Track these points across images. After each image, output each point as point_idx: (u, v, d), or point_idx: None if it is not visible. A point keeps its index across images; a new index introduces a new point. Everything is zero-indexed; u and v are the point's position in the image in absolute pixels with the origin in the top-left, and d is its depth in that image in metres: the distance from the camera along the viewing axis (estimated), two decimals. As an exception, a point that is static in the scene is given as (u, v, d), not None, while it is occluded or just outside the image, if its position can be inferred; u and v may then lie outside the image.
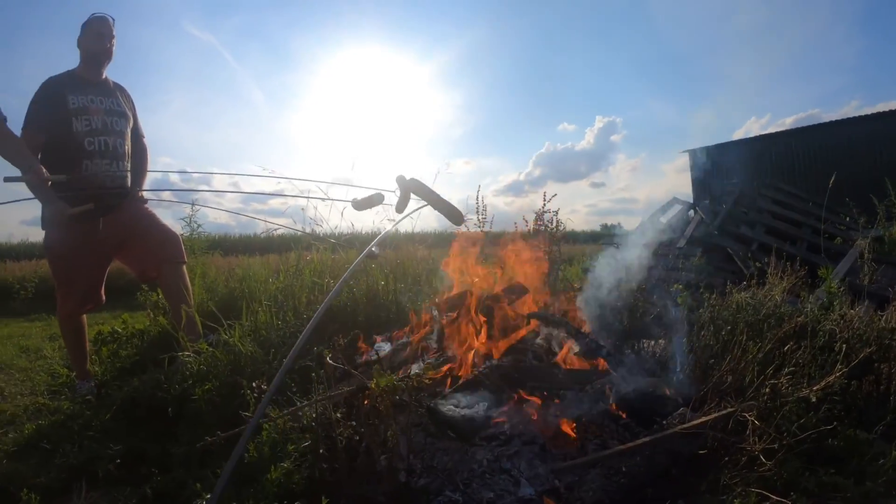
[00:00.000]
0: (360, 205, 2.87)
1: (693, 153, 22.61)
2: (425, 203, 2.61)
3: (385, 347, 3.18)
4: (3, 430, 3.81)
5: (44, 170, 3.56)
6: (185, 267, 4.37)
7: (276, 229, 4.73)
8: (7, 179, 3.62)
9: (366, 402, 2.40)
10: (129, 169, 4.35)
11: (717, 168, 20.90)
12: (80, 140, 4.05)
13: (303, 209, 5.26)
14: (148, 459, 2.89)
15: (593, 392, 2.73)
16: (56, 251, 4.17)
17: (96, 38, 4.23)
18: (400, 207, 2.70)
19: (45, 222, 4.11)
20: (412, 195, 2.66)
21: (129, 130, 4.39)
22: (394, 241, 5.51)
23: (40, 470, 2.90)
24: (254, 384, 2.63)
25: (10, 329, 8.04)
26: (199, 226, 6.84)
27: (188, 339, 3.68)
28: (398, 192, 2.71)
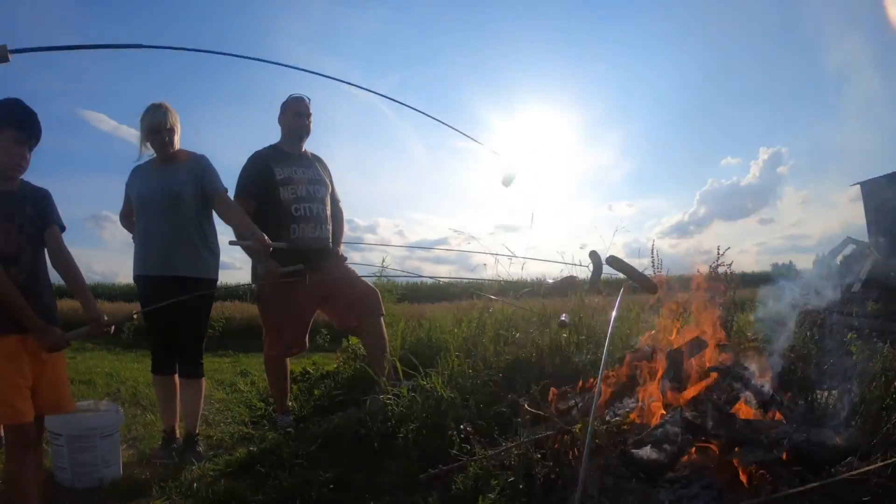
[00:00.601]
0: (556, 287, 3.08)
1: (864, 185, 21.03)
2: (622, 276, 2.84)
3: (571, 398, 3.43)
4: (213, 452, 4.36)
5: (266, 237, 4.02)
6: (382, 319, 4.83)
7: (460, 281, 5.11)
8: (232, 243, 4.18)
9: (560, 444, 2.69)
10: (330, 231, 4.87)
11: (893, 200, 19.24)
12: (288, 207, 4.60)
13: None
14: (355, 487, 3.23)
15: (767, 441, 2.84)
16: (268, 302, 4.74)
17: (295, 117, 4.83)
18: (594, 281, 2.93)
19: (257, 277, 4.66)
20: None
21: (328, 197, 4.91)
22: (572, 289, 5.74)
23: (257, 490, 3.30)
24: (461, 426, 2.99)
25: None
26: (388, 279, 7.33)
27: (389, 383, 4.07)
28: (591, 267, 2.94)
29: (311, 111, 4.89)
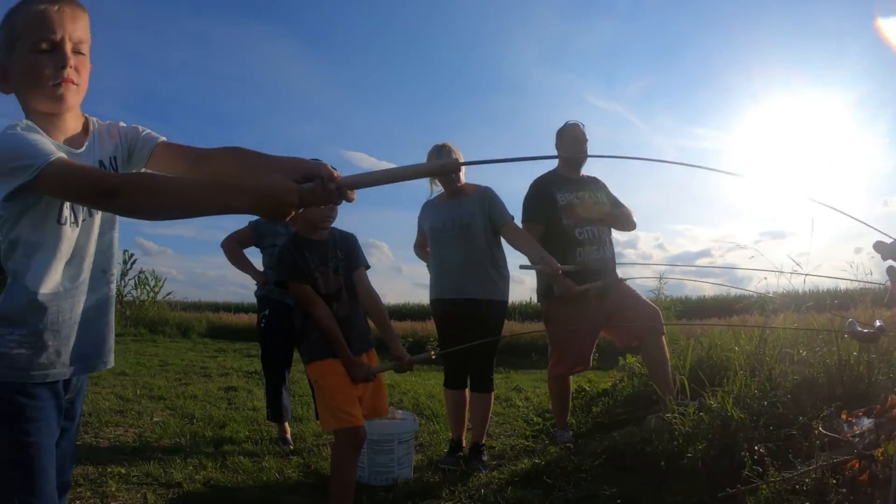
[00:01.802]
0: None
1: None
2: None
3: (865, 422, 3.23)
4: (497, 462, 4.64)
5: (554, 260, 4.30)
6: (664, 337, 4.85)
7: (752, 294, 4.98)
8: (523, 267, 4.54)
9: (858, 470, 2.57)
10: (612, 252, 5.01)
11: None
12: (571, 231, 4.78)
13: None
14: (639, 504, 3.29)
15: None
16: (556, 322, 4.95)
17: (573, 143, 4.99)
18: (892, 302, 2.76)
19: (545, 297, 4.90)
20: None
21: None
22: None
23: (543, 499, 3.45)
24: (755, 447, 2.96)
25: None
26: (667, 296, 7.32)
27: (675, 402, 4.08)
28: (888, 284, 2.77)
29: (587, 137, 5.06)
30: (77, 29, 1.64)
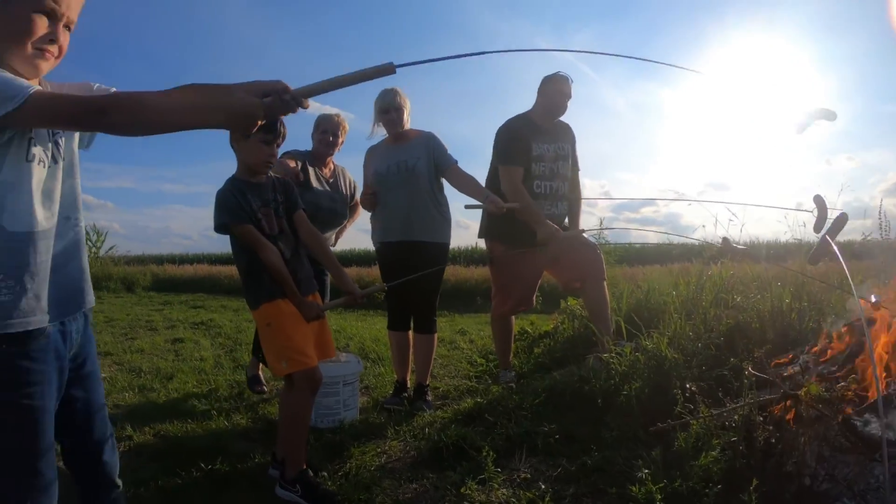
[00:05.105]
0: (816, 255, 2.96)
1: None
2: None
3: (797, 363, 3.38)
4: (441, 402, 4.75)
5: (499, 199, 4.38)
6: (605, 282, 4.97)
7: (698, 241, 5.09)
8: (468, 207, 4.58)
9: (783, 409, 2.71)
10: (565, 208, 5.07)
11: None
12: (530, 183, 4.82)
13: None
14: (579, 439, 3.39)
15: None
16: (501, 263, 5.04)
17: (558, 95, 4.92)
18: (818, 227, 2.86)
19: (488, 235, 5.04)
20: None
21: (569, 171, 5.07)
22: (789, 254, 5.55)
23: (485, 436, 3.55)
24: (687, 385, 3.09)
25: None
26: (606, 241, 7.46)
27: (613, 343, 4.20)
28: (815, 213, 2.87)
29: (572, 94, 4.98)
30: (76, 8, 1.72)
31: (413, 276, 4.01)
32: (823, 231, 2.85)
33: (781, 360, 3.32)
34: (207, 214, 3.32)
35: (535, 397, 4.00)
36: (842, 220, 2.84)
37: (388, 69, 1.71)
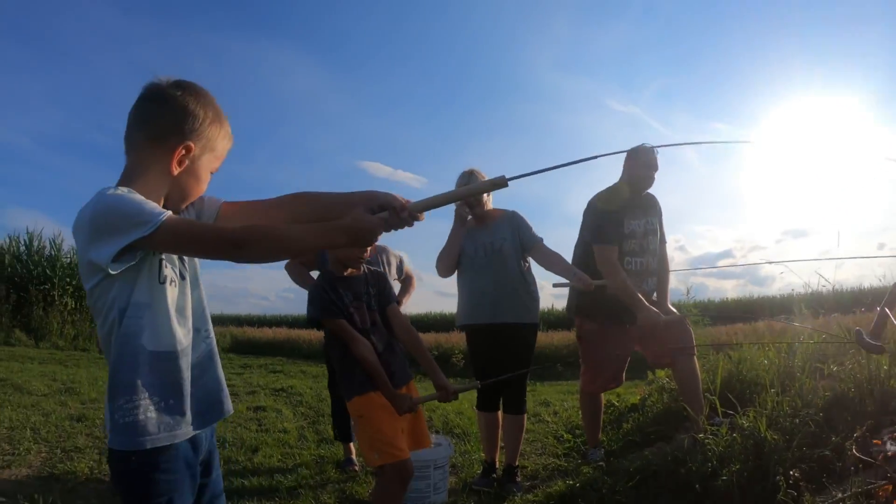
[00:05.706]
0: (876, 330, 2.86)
1: None
2: None
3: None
4: (530, 483, 4.71)
5: (586, 276, 4.40)
6: (695, 358, 4.86)
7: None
8: (556, 285, 4.62)
9: (893, 494, 2.61)
10: (654, 283, 5.01)
11: None
12: (622, 260, 4.78)
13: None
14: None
15: None
16: (590, 340, 5.02)
17: (645, 168, 4.88)
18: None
19: (577, 312, 5.04)
20: None
21: (658, 246, 5.04)
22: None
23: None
24: (790, 471, 3.00)
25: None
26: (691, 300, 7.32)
27: (708, 422, 4.10)
28: None
29: (658, 166, 4.95)
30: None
31: (507, 376, 4.09)
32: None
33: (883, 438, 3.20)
34: (283, 276, 3.43)
35: (627, 479, 3.88)
36: None
37: (500, 183, 1.82)
